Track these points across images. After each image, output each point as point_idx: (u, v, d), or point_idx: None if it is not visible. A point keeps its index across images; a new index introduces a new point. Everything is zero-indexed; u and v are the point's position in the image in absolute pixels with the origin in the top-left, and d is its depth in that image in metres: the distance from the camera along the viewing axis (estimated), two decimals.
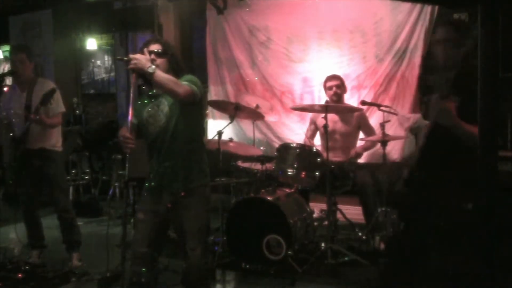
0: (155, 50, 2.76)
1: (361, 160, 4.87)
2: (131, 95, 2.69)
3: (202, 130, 3.07)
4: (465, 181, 2.53)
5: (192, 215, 2.80)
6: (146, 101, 2.86)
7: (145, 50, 2.76)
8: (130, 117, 2.63)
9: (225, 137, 4.40)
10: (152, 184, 2.83)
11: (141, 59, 2.60)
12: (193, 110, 2.81)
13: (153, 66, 2.60)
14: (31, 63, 4.07)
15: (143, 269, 2.73)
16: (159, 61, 2.76)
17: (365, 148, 4.70)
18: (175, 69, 2.82)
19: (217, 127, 4.67)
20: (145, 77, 2.67)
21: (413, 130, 4.79)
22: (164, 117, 2.77)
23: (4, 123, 4.10)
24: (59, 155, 4.17)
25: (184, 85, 2.67)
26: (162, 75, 2.61)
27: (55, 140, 4.11)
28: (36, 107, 3.81)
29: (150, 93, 2.87)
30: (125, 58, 2.64)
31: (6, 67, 8.20)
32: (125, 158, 2.64)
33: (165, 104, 2.78)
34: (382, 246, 4.14)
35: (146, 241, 2.76)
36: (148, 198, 2.84)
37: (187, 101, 2.69)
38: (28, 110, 3.91)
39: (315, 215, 4.45)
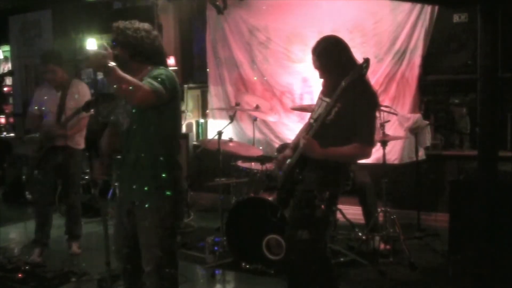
0: (109, 42, 2.44)
1: (361, 160, 4.85)
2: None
3: (174, 129, 2.59)
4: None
5: (147, 226, 2.47)
6: (113, 99, 2.61)
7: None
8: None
9: (225, 137, 4.41)
10: (117, 193, 2.74)
11: (96, 57, 2.19)
12: (162, 109, 2.42)
13: (109, 65, 2.17)
14: (61, 67, 4.22)
15: (131, 267, 2.70)
16: (116, 52, 2.39)
17: None
18: (140, 56, 2.44)
19: (217, 127, 4.66)
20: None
21: (413, 130, 4.78)
22: (128, 117, 2.49)
23: (35, 116, 4.24)
24: (80, 153, 4.36)
25: (144, 86, 2.25)
26: (117, 75, 2.18)
27: (78, 139, 4.28)
28: (67, 118, 4.01)
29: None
30: (80, 57, 2.48)
31: (6, 67, 8.19)
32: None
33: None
34: (382, 246, 4.15)
35: (126, 242, 2.67)
36: (117, 206, 2.76)
37: (147, 105, 2.35)
38: (60, 110, 4.12)
39: None
